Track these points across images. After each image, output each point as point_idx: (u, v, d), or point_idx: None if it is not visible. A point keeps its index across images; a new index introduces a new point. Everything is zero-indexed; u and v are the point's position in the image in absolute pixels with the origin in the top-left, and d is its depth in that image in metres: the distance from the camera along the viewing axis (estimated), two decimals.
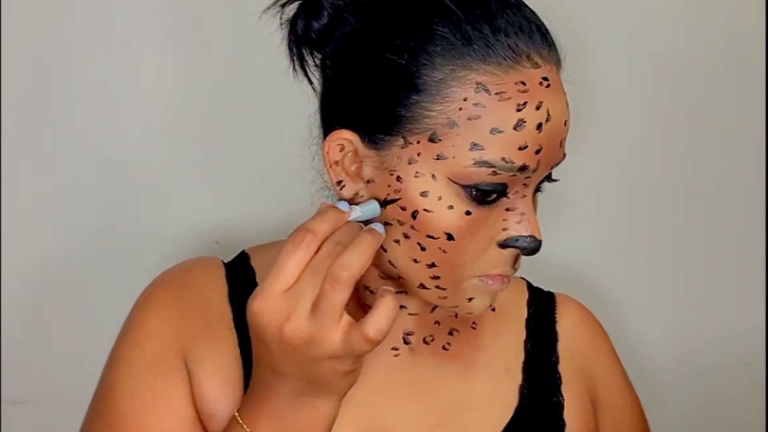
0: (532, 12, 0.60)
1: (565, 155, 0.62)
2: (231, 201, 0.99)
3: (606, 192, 1.08)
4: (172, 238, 0.98)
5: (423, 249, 0.59)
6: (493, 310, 0.74)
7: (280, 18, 0.65)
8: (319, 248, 0.54)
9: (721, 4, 1.03)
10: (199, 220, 0.99)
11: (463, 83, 0.56)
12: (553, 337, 0.75)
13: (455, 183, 0.57)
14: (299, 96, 0.68)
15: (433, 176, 0.58)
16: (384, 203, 0.60)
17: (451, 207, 0.58)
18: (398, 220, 0.59)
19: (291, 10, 0.65)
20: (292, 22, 0.65)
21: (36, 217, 0.95)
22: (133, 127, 0.95)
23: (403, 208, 0.59)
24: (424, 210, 0.58)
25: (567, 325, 0.76)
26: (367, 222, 0.59)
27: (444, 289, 0.61)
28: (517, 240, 0.60)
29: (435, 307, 0.70)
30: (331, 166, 0.61)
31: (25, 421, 0.97)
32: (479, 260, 0.60)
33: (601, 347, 0.78)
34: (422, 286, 0.62)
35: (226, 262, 0.72)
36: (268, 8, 0.65)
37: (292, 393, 0.56)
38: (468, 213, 0.58)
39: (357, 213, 0.58)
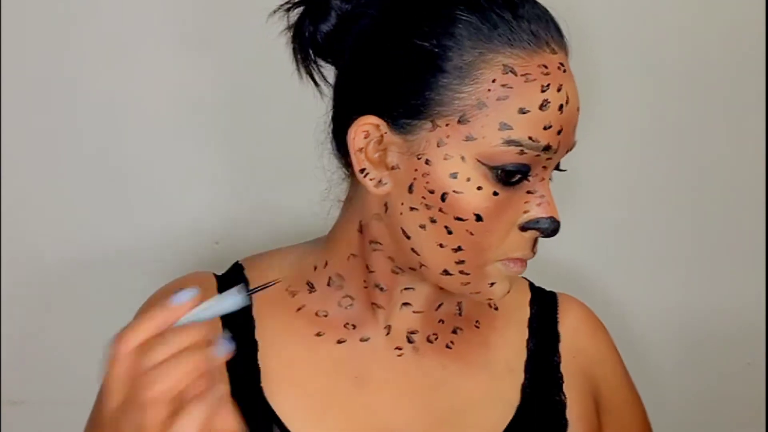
0: (543, 6, 0.62)
1: (575, 142, 0.63)
2: (231, 201, 0.99)
3: (607, 192, 1.08)
4: (172, 238, 0.98)
5: (450, 232, 0.60)
6: (496, 309, 0.74)
7: (287, 21, 0.66)
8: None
9: (724, 2, 1.04)
10: (199, 220, 0.99)
11: (491, 65, 0.58)
12: (555, 337, 0.75)
13: (483, 164, 0.59)
14: (302, 96, 0.68)
15: (462, 158, 0.59)
16: (410, 189, 0.61)
17: (479, 188, 0.59)
18: (426, 204, 0.60)
19: (296, 14, 0.66)
20: (297, 26, 0.66)
21: (36, 217, 0.95)
22: (133, 127, 0.95)
23: (432, 192, 0.60)
24: (454, 192, 0.59)
25: (569, 325, 0.76)
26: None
27: (468, 274, 0.62)
28: (537, 222, 0.61)
29: (440, 305, 0.70)
30: (354, 153, 0.62)
31: (25, 421, 0.97)
32: (503, 243, 0.61)
33: (603, 347, 0.78)
34: (446, 272, 0.62)
35: (219, 274, 0.72)
36: (274, 12, 0.66)
37: None
38: (495, 194, 0.59)
39: (205, 312, 0.49)
